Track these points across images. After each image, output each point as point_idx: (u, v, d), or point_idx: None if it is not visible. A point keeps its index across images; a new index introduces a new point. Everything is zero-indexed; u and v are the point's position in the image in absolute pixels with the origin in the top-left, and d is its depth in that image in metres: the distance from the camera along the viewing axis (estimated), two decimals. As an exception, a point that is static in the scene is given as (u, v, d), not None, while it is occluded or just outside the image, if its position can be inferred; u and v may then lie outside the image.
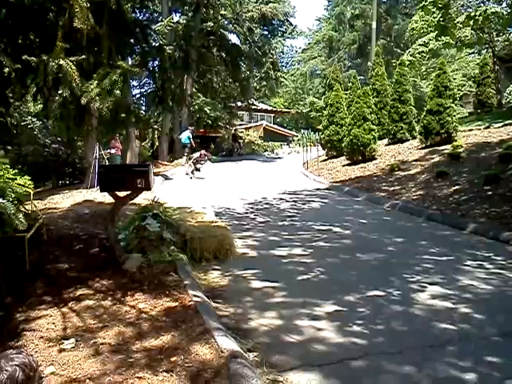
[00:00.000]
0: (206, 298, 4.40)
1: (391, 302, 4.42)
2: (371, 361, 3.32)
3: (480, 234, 6.97)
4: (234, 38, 28.41)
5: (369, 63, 32.45)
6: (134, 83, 26.80)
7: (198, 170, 16.44)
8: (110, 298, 4.37)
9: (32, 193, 6.22)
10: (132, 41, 6.40)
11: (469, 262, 5.64)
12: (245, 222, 8.35)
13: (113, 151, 15.56)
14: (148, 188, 5.19)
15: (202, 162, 16.70)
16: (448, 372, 3.15)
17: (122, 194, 5.40)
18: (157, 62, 6.67)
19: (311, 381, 3.07)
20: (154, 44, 6.57)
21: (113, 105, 5.13)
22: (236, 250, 6.22)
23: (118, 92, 5.35)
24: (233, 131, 28.69)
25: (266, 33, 32.69)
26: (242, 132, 30.23)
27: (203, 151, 17.15)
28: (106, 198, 8.47)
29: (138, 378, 2.98)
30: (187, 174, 16.47)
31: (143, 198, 7.40)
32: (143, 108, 22.57)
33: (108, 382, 2.95)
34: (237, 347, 3.36)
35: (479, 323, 3.92)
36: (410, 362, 3.27)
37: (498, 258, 5.79)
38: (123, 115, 6.21)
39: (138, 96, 26.75)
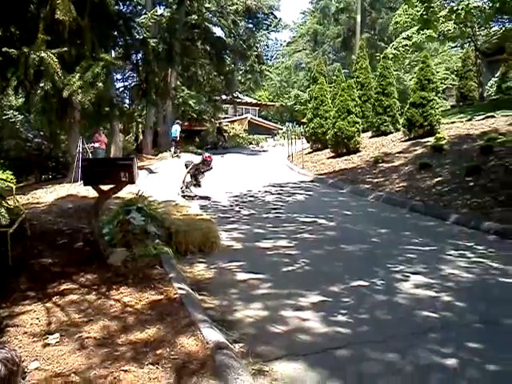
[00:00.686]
0: (191, 291, 4.40)
1: (375, 292, 4.47)
2: (355, 349, 3.36)
3: (462, 224, 7.09)
4: (218, 31, 28.22)
5: (353, 56, 32.55)
6: (118, 76, 26.57)
7: (198, 184, 10.69)
8: (94, 292, 4.35)
9: (14, 187, 6.14)
10: (115, 33, 6.33)
11: (451, 252, 5.74)
12: (230, 214, 8.36)
13: (96, 145, 15.40)
14: (132, 181, 5.16)
15: (205, 171, 11.00)
16: (430, 358, 3.20)
17: (105, 187, 5.35)
18: (140, 55, 6.62)
19: (296, 370, 3.10)
20: (137, 37, 6.52)
21: (95, 98, 5.08)
22: (221, 243, 6.23)
23: (100, 85, 5.31)
24: (217, 124, 28.61)
25: (251, 26, 32.44)
26: (226, 125, 30.19)
27: (207, 154, 11.34)
28: (90, 192, 8.41)
29: (123, 371, 2.97)
30: (183, 191, 10.46)
31: (127, 192, 7.36)
32: (127, 101, 22.34)
33: (93, 375, 2.94)
34: (222, 339, 3.37)
35: (461, 311, 3.99)
36: (394, 350, 3.32)
37: (479, 248, 5.89)
38: (107, 109, 6.16)
39: (121, 89, 26.49)
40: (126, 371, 2.96)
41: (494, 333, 3.59)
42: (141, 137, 27.85)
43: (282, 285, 4.73)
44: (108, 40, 6.24)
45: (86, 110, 5.17)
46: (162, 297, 4.22)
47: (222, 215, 8.18)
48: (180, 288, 4.36)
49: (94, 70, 4.84)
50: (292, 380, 2.98)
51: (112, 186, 5.30)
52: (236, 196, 9.81)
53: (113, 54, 7.32)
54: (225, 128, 29.08)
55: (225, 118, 33.18)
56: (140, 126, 28.46)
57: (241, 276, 5.09)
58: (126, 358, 3.14)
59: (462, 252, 5.72)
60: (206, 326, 3.51)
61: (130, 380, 2.88)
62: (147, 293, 4.31)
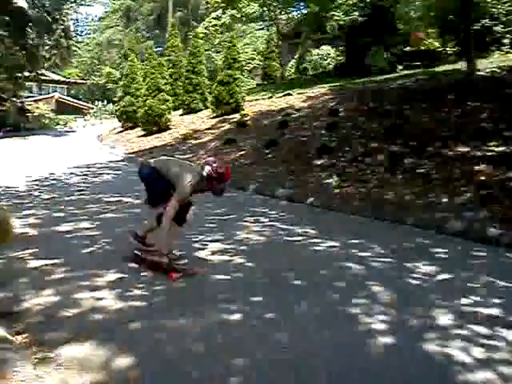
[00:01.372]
0: (-32, 288, 3.94)
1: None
2: (149, 320, 3.41)
3: (259, 192, 7.74)
4: (20, 1, 25.14)
5: (166, 35, 32.29)
6: None
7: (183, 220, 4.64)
8: None
9: None
10: None
11: (247, 219, 6.22)
12: (27, 200, 7.68)
13: None
14: None
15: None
16: (219, 317, 3.43)
17: None
18: None
19: (84, 351, 3.01)
20: None
21: None
22: (13, 231, 5.65)
23: None
24: (19, 104, 25.90)
25: (58, -3, 29.67)
26: (30, 104, 27.53)
27: (216, 164, 4.26)
28: None
29: None
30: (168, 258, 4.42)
31: None
32: None
33: None
34: (2, 332, 3.11)
35: (250, 270, 4.37)
36: (186, 316, 3.45)
37: (272, 213, 6.50)
38: None
39: None
40: None
41: (275, 286, 4.01)
42: None
43: (79, 267, 4.52)
44: None
45: None
46: None
47: (17, 201, 7.45)
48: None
49: None
50: (78, 362, 2.89)
51: None
52: (36, 180, 9.04)
53: None
54: (28, 108, 26.51)
55: (28, 96, 30.15)
56: None
57: (33, 263, 4.70)
58: None
59: (257, 218, 6.25)
60: (-18, 323, 3.20)
61: None
62: None
